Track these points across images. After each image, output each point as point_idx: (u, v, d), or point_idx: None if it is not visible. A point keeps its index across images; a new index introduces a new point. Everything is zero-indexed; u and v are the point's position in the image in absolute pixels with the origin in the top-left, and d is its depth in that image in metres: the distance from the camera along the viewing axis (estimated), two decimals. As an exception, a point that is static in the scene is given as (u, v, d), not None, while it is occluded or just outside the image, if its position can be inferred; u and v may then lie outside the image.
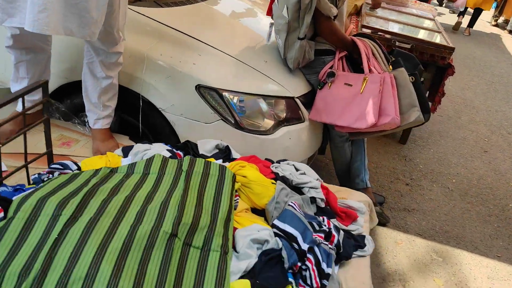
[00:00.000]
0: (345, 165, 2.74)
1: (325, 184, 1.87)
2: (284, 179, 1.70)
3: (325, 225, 1.52)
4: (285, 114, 2.29)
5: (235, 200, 1.48)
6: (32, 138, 1.70)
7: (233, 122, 2.10)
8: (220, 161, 1.72)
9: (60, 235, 1.07)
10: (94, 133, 1.96)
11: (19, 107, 1.99)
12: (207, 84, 2.04)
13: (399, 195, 3.14)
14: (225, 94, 2.07)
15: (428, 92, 3.76)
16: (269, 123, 2.23)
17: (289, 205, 1.51)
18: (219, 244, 1.23)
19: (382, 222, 2.77)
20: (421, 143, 3.98)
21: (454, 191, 3.35)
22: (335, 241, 1.53)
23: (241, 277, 1.22)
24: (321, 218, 1.61)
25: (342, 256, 1.57)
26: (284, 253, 1.34)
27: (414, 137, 4.05)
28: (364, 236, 1.74)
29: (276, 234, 1.40)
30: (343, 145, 2.66)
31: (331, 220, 1.68)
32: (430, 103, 3.74)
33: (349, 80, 2.33)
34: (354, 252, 1.65)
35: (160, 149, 1.68)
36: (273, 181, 1.65)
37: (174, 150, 1.78)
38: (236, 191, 1.53)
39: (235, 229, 1.37)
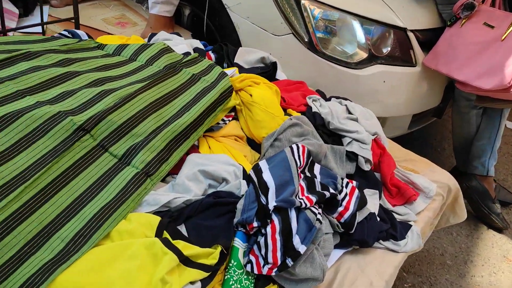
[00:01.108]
0: (467, 139, 2.06)
1: (384, 144, 1.35)
2: (316, 117, 1.25)
3: (334, 191, 1.06)
4: (388, 50, 1.74)
5: (223, 120, 1.12)
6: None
7: (306, 40, 1.65)
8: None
9: None
10: (150, 18, 1.75)
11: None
12: (284, -15, 1.62)
13: (543, 202, 2.31)
14: (305, 2, 1.62)
15: None
16: (361, 54, 1.72)
17: (291, 146, 1.08)
18: (144, 160, 0.91)
19: (496, 226, 2.06)
20: None
21: None
22: (346, 215, 1.07)
23: (158, 214, 0.90)
24: (344, 180, 1.14)
25: (354, 240, 1.11)
26: (240, 203, 0.96)
27: None
28: (409, 226, 1.23)
29: (249, 178, 1.02)
30: (468, 112, 1.97)
31: (365, 190, 1.21)
32: None
33: (492, 19, 1.63)
34: (382, 242, 1.16)
35: (182, 43, 1.37)
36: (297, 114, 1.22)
37: (209, 51, 1.46)
38: (234, 111, 1.16)
39: (193, 152, 1.03)
